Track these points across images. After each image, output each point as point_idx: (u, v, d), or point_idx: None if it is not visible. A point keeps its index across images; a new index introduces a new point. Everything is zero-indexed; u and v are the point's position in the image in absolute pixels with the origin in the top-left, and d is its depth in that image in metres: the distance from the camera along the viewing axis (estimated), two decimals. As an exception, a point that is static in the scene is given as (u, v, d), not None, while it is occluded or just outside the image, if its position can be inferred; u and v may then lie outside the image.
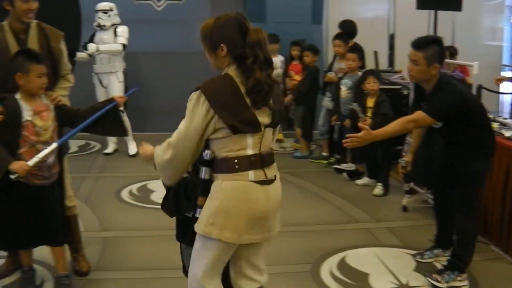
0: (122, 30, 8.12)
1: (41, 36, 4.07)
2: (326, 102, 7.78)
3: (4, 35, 3.99)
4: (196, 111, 2.87)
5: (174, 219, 3.38)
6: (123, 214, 5.91)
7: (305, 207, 6.19)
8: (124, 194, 6.54)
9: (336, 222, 5.77)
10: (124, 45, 8.05)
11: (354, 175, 7.13)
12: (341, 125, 7.17)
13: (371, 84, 6.57)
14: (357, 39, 7.77)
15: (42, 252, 4.27)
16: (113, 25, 8.12)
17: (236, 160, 2.93)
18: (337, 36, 7.62)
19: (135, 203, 6.26)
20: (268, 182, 3.02)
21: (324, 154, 8.00)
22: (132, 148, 8.09)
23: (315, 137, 8.37)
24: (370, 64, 8.16)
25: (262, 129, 2.95)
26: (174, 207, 3.20)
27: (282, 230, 5.28)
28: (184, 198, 3.12)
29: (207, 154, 2.94)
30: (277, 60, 8.86)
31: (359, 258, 4.86)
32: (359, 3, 9.54)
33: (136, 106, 8.99)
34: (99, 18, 8.10)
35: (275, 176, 3.10)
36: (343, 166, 7.40)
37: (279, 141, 9.11)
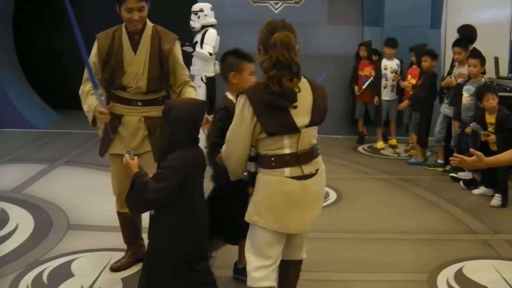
0: (209, 36, 7.95)
1: (154, 38, 4.18)
2: (444, 108, 7.63)
3: (121, 36, 4.21)
4: (243, 115, 3.20)
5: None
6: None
7: (420, 214, 6.12)
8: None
9: (452, 232, 5.67)
10: (210, 53, 7.91)
11: (470, 184, 6.97)
12: (461, 133, 7.01)
13: (490, 102, 6.39)
14: (476, 44, 7.57)
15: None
16: (203, 27, 8.03)
17: (273, 158, 3.25)
18: (457, 43, 7.43)
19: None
20: (305, 177, 3.29)
21: (440, 161, 7.85)
22: None
23: (431, 143, 8.24)
24: (490, 71, 7.95)
25: (300, 130, 3.23)
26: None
27: (396, 238, 5.36)
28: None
29: (252, 150, 3.29)
30: (393, 63, 8.84)
31: (476, 269, 4.75)
32: (479, 8, 9.32)
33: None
34: (191, 19, 8.07)
35: (316, 170, 3.36)
36: (460, 174, 7.24)
37: (393, 146, 9.07)
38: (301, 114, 3.23)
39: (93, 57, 4.24)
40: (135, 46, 4.18)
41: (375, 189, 6.95)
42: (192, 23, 8.06)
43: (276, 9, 9.83)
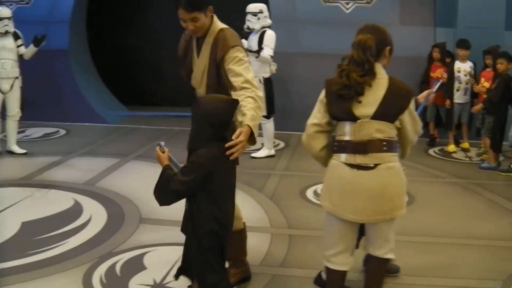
0: (269, 38, 7.88)
1: (214, 45, 3.97)
2: (519, 112, 7.45)
3: (192, 38, 4.12)
4: (320, 99, 3.72)
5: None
6: (308, 213, 6.03)
7: (492, 220, 5.96)
8: (309, 193, 6.69)
9: (526, 239, 5.53)
10: (271, 56, 7.89)
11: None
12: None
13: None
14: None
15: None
16: (262, 27, 7.98)
17: (336, 143, 3.67)
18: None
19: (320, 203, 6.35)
20: (359, 167, 3.55)
21: (514, 166, 7.67)
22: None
23: (504, 148, 8.03)
24: None
25: (358, 118, 3.53)
26: None
27: (468, 243, 5.26)
28: None
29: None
30: (467, 66, 8.66)
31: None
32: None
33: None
34: (248, 20, 8.00)
35: (375, 164, 3.54)
36: (535, 180, 7.06)
37: (465, 150, 8.89)
38: (366, 106, 3.54)
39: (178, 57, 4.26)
40: (198, 50, 4.08)
41: (447, 193, 6.83)
42: (251, 24, 7.98)
43: (347, 9, 9.76)
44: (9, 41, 7.99)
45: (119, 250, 4.95)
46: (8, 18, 7.95)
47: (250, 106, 3.66)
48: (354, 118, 3.54)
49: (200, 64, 4.04)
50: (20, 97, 8.18)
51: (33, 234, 5.28)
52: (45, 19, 10.18)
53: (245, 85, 3.79)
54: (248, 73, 3.88)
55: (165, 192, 3.46)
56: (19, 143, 8.38)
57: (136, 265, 4.65)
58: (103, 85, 11.28)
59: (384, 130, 3.55)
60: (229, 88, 3.91)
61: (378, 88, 3.56)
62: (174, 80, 11.45)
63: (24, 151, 8.23)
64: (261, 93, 3.93)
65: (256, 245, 5.07)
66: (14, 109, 8.14)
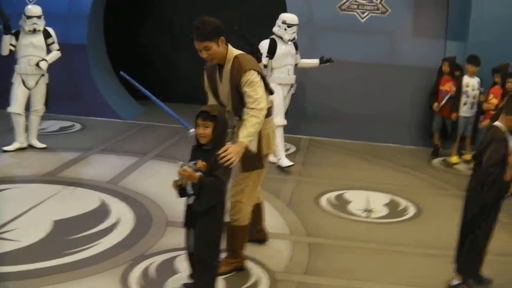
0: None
1: (232, 71, 4.57)
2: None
3: (215, 68, 4.67)
4: None
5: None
6: (324, 221, 6.34)
7: (502, 235, 6.13)
8: (323, 201, 6.99)
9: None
10: None
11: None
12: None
13: None
14: None
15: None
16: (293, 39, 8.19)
17: None
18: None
19: (334, 211, 6.68)
20: None
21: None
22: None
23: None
24: None
25: None
26: None
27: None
28: None
29: None
30: (475, 81, 8.90)
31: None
32: None
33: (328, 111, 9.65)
34: (295, 33, 8.11)
35: None
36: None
37: (467, 161, 9.16)
38: None
39: (205, 87, 4.86)
40: (220, 75, 4.66)
41: (454, 206, 7.01)
42: (295, 35, 8.18)
43: (363, 18, 10.03)
44: (37, 39, 8.23)
45: (151, 253, 5.21)
46: (38, 17, 8.18)
47: (249, 124, 4.40)
48: None
49: (224, 89, 4.68)
50: (45, 93, 8.43)
51: (66, 233, 5.53)
52: (64, 13, 10.40)
53: (252, 105, 4.46)
54: (257, 93, 4.49)
55: (214, 194, 4.02)
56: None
57: (169, 268, 4.91)
58: (118, 82, 11.50)
59: None
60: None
61: None
62: (189, 76, 11.76)
63: (43, 145, 8.49)
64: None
65: (278, 252, 5.40)
66: (38, 104, 8.40)
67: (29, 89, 8.27)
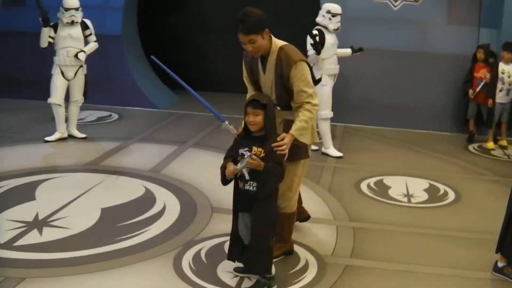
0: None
1: (278, 63, 4.52)
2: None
3: (254, 59, 4.65)
4: None
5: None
6: (366, 206, 6.42)
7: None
8: (363, 186, 7.07)
9: None
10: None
11: None
12: None
13: None
14: None
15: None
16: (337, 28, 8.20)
17: None
18: None
19: (374, 196, 6.75)
20: None
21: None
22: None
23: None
24: None
25: None
26: None
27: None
28: None
29: None
30: (510, 68, 8.92)
31: None
32: None
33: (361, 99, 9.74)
34: (339, 22, 8.13)
35: None
36: None
37: (503, 147, 9.20)
38: None
39: (244, 76, 4.87)
40: (264, 67, 4.61)
41: (492, 191, 7.16)
42: (339, 25, 8.19)
43: (395, 6, 10.04)
44: (75, 30, 8.37)
45: (200, 238, 5.32)
46: (75, 9, 8.32)
47: (304, 119, 4.44)
48: None
49: (267, 80, 4.62)
50: (84, 84, 8.58)
51: (115, 220, 5.66)
52: (99, 4, 10.51)
53: (307, 100, 4.48)
54: (310, 88, 4.51)
55: (279, 176, 4.22)
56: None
57: (219, 253, 5.00)
58: (153, 72, 11.64)
59: None
60: (292, 98, 4.57)
61: None
62: (221, 65, 11.86)
63: (84, 135, 8.66)
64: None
65: (324, 237, 5.51)
66: (77, 95, 8.56)
67: (68, 80, 8.43)
